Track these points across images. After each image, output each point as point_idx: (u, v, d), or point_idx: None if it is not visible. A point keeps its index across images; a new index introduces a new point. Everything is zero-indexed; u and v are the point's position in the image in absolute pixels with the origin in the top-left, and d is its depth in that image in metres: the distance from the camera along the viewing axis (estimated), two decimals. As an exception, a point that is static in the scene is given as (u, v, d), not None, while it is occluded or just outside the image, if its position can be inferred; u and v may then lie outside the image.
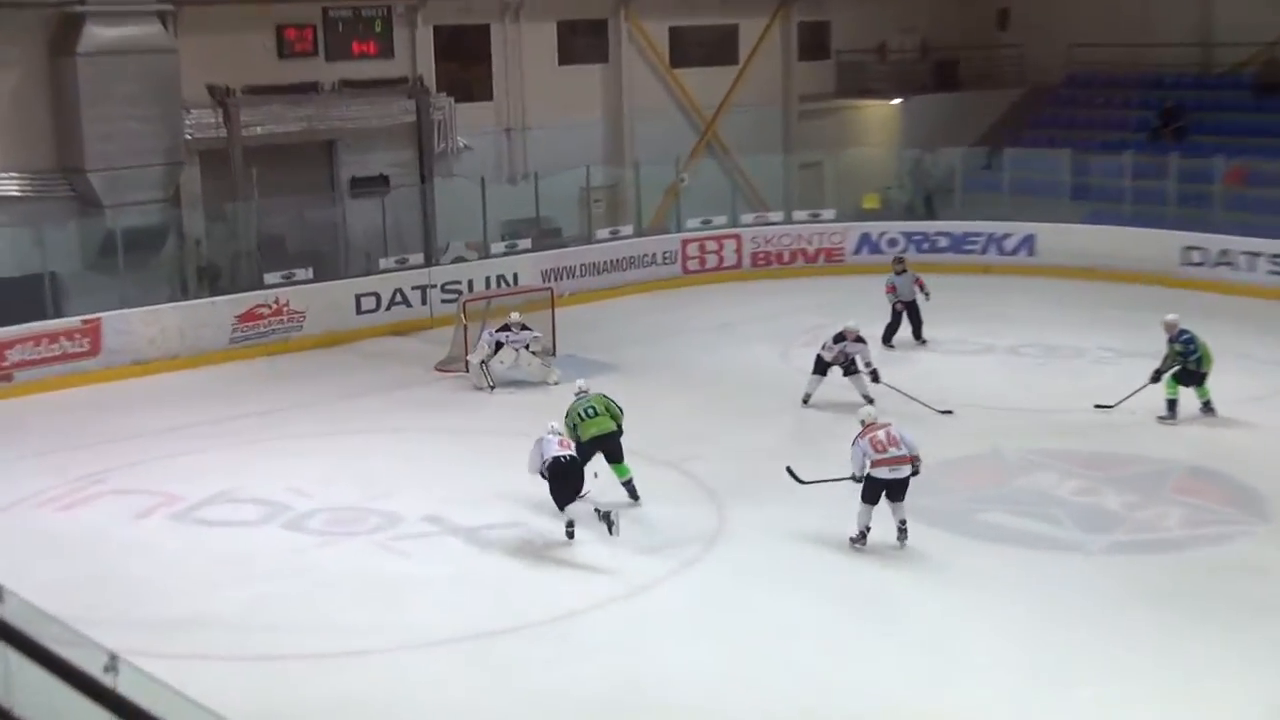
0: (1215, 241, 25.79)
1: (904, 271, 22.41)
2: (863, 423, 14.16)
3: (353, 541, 14.55)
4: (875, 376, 18.78)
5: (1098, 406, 18.39)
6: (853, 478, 13.90)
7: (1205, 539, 14.22)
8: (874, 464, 13.71)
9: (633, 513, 14.85)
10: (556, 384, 19.77)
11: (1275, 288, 24.72)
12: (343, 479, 16.40)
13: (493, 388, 20.08)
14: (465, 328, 21.29)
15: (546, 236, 27.95)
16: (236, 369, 22.11)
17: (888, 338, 21.96)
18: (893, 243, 28.17)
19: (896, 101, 34.48)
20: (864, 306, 22.22)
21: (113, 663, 4.65)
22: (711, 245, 28.52)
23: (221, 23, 25.16)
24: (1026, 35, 35.40)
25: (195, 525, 15.17)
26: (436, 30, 28.24)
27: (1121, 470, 16.11)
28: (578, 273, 26.89)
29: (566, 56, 30.52)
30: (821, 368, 18.83)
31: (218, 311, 22.85)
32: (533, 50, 29.67)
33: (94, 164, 23.14)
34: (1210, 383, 17.88)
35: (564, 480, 14.17)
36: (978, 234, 28.30)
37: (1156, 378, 17.91)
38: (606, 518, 13.86)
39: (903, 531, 13.92)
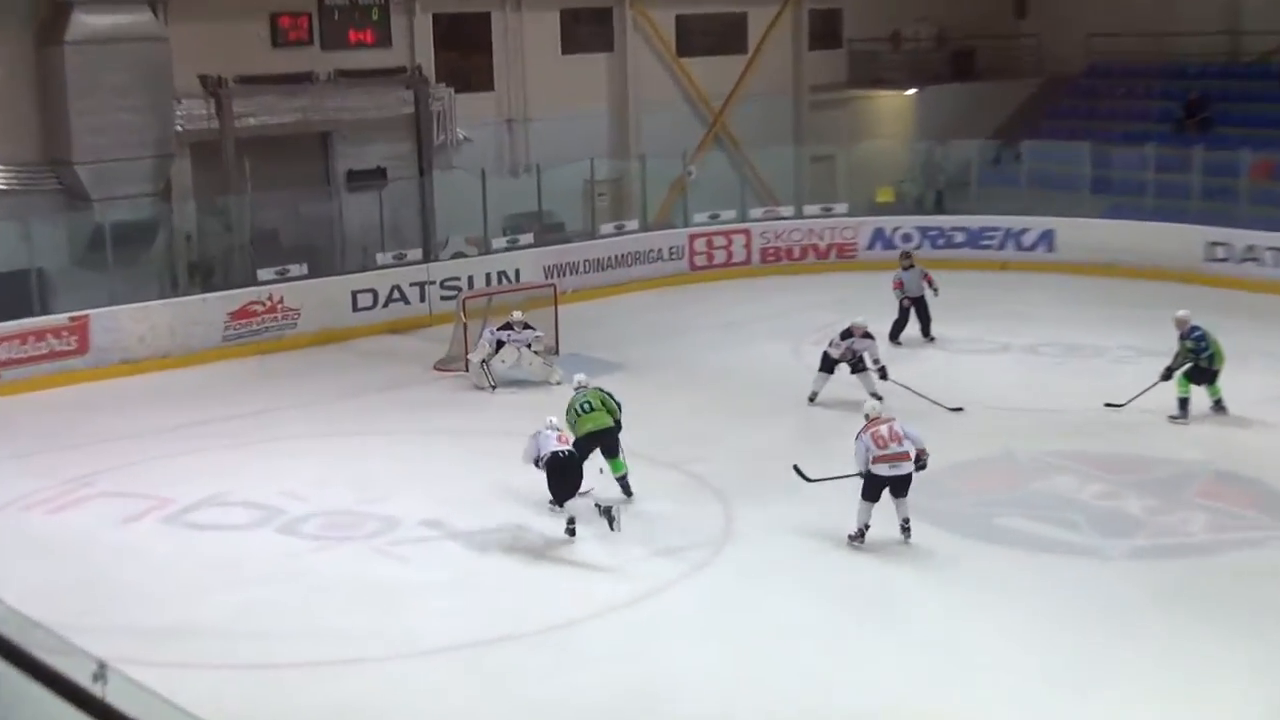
0: (1241, 237, 25.78)
1: (911, 266, 22.48)
2: (867, 417, 14.30)
3: (348, 546, 14.57)
4: (883, 374, 18.85)
5: (1108, 405, 18.47)
6: (860, 474, 14.01)
7: (1230, 544, 14.22)
8: (874, 460, 13.84)
9: (637, 516, 14.86)
10: (559, 384, 19.78)
11: (1302, 285, 24.76)
12: (338, 482, 16.42)
13: (494, 388, 20.11)
14: (465, 326, 21.31)
15: (549, 231, 27.95)
16: (229, 368, 22.14)
17: (895, 335, 22.03)
18: (907, 238, 28.16)
19: (911, 92, 34.47)
20: (876, 303, 22.26)
21: (101, 671, 4.66)
22: (720, 240, 28.53)
23: (214, 10, 25.19)
24: (1045, 23, 35.41)
25: (186, 529, 15.19)
26: (435, 18, 28.26)
27: (1142, 473, 16.12)
28: (581, 269, 26.90)
29: (570, 45, 30.53)
30: (828, 365, 18.92)
31: (209, 309, 22.89)
32: (535, 39, 29.68)
33: (82, 156, 23.17)
34: (1229, 381, 17.91)
35: (563, 476, 14.36)
36: (995, 229, 28.29)
37: (1168, 375, 17.99)
38: (608, 513, 14.04)
39: (906, 529, 14.05)
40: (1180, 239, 26.31)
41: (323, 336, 23.62)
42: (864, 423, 14.20)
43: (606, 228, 28.23)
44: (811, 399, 19.04)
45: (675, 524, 14.85)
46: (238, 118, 24.87)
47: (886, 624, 12.39)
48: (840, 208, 29.34)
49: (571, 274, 26.52)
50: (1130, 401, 18.26)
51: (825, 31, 34.24)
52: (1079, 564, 13.64)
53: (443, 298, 24.61)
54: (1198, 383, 17.88)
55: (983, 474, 16.32)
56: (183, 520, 15.42)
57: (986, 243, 28.27)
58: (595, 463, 15.06)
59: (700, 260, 28.41)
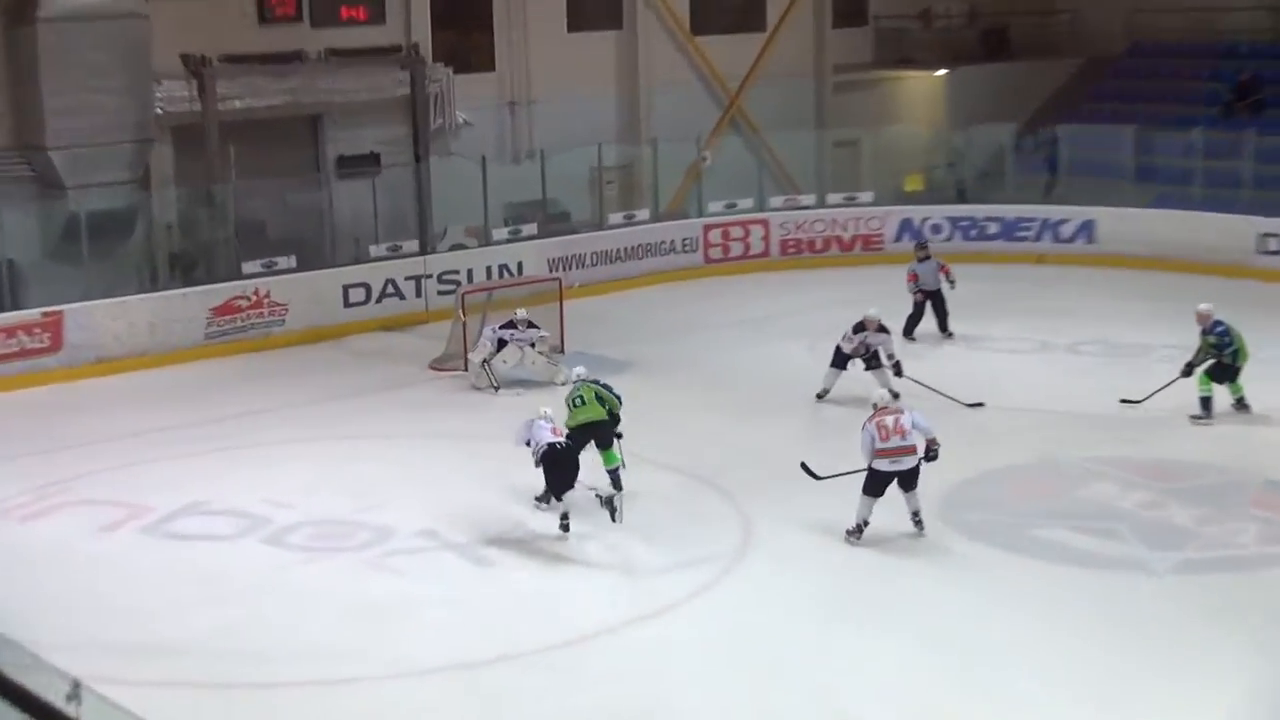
0: (1295, 228, 25.77)
1: (927, 258, 22.55)
2: (875, 406, 14.57)
3: (339, 558, 14.56)
4: (898, 370, 18.93)
5: (1123, 401, 18.56)
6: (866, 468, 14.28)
7: (1285, 558, 14.20)
8: (876, 454, 14.05)
9: (645, 526, 14.84)
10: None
11: (1361, 279, 24.70)
12: (328, 489, 16.41)
13: (497, 388, 20.07)
14: (464, 322, 21.30)
15: (554, 221, 27.96)
16: (212, 367, 22.15)
17: (909, 330, 22.13)
18: (937, 229, 28.15)
19: (941, 73, 34.44)
20: (905, 299, 22.30)
21: (75, 691, 4.65)
22: (736, 231, 28.52)
23: (196, -15, 25.24)
24: (1085, 0, 35.35)
25: (166, 539, 15.19)
26: (433, -7, 28.32)
27: (1191, 480, 16.08)
28: (588, 262, 26.90)
29: (576, 23, 30.54)
30: (840, 360, 19.05)
31: (191, 304, 22.90)
32: (539, 16, 29.69)
33: (55, 141, 23.17)
34: (1269, 381, 17.98)
35: (560, 468, 14.59)
36: (1031, 219, 28.26)
37: (1188, 372, 18.10)
38: (609, 503, 14.31)
39: (918, 522, 14.34)
40: (1230, 230, 26.26)
41: (312, 334, 23.63)
42: (871, 412, 14.45)
43: (615, 218, 28.20)
44: (820, 396, 19.18)
45: (685, 535, 14.83)
46: (222, 100, 24.86)
47: (913, 647, 12.31)
48: (865, 196, 29.32)
49: (578, 267, 26.51)
50: (1147, 399, 18.34)
51: (849, 8, 34.24)
52: (1122, 578, 13.59)
53: (440, 292, 24.61)
54: (1219, 380, 17.95)
55: (1020, 482, 16.30)
56: (162, 530, 15.41)
57: (1022, 234, 28.23)
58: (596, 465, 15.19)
59: (715, 253, 28.39)
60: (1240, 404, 18.08)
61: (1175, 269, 25.98)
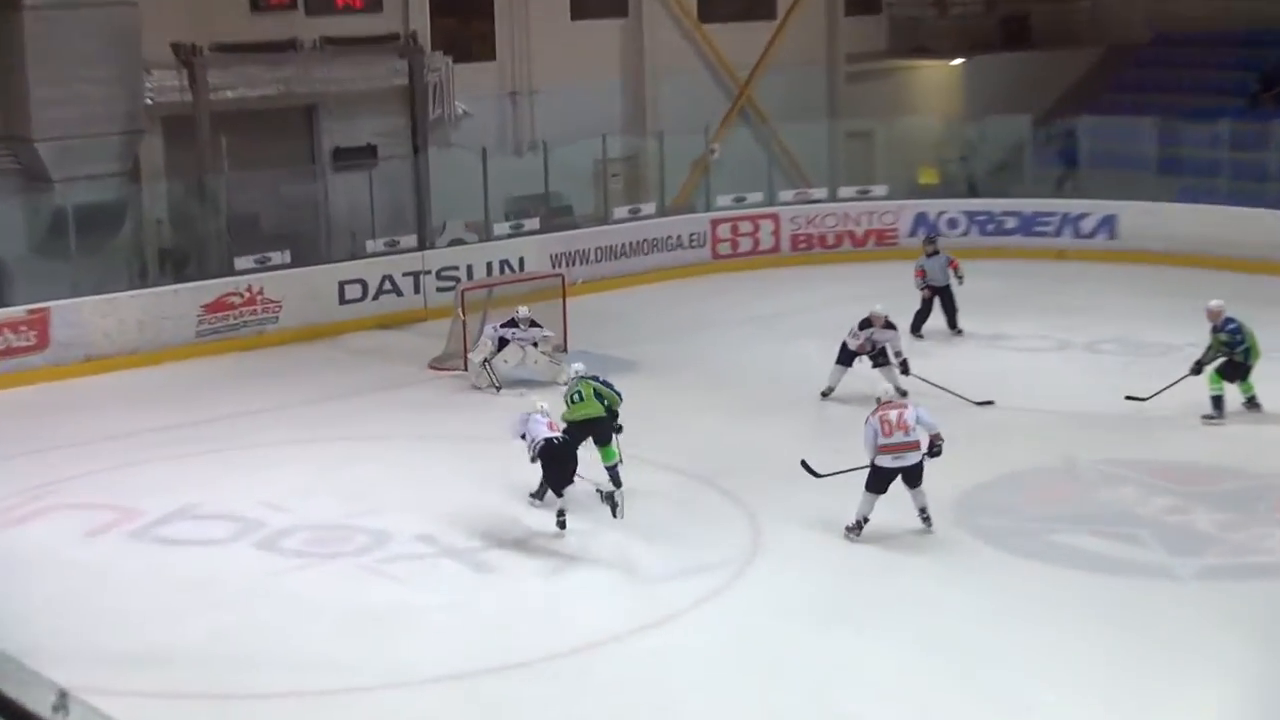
0: (1325, 223, 25.77)
1: (936, 253, 22.65)
2: (879, 400, 14.78)
3: (335, 564, 14.57)
4: (905, 368, 19.06)
5: (1128, 398, 18.63)
6: (869, 464, 14.47)
7: (1313, 565, 14.19)
8: (879, 450, 14.30)
9: (650, 532, 14.86)
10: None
11: (1394, 276, 24.67)
12: (324, 492, 16.44)
13: (499, 389, 20.07)
14: (464, 320, 21.31)
15: (557, 216, 27.97)
16: (203, 366, 22.18)
17: (917, 327, 22.21)
18: (953, 223, 28.17)
19: (958, 62, 34.40)
20: (917, 295, 22.34)
21: (62, 701, 4.65)
22: (745, 226, 28.52)
23: (187, -28, 25.25)
24: (1107, -14, 35.35)
25: (156, 544, 15.21)
26: (432, -20, 28.34)
27: (1213, 484, 16.08)
28: (592, 257, 26.91)
29: (580, 10, 30.53)
30: (846, 357, 19.17)
31: (182, 301, 22.93)
32: (541, 3, 29.68)
33: (42, 132, 23.17)
34: (1256, 377, 18.05)
35: (559, 463, 14.81)
36: (1050, 214, 28.26)
37: (1197, 370, 18.18)
38: (610, 499, 14.47)
39: (925, 519, 14.54)
40: (1258, 225, 26.25)
41: (307, 332, 23.65)
42: (875, 406, 14.64)
43: (620, 212, 28.23)
44: (825, 394, 19.29)
45: (690, 538, 14.85)
46: (213, 90, 24.87)
47: (922, 653, 12.32)
48: (879, 190, 29.32)
49: (581, 263, 26.52)
50: (1153, 396, 18.40)
51: (864, -6, 34.25)
52: (1143, 584, 13.61)
53: (439, 289, 24.62)
54: (1230, 379, 18.03)
55: (1039, 486, 16.32)
56: (152, 534, 15.43)
57: (1042, 229, 28.23)
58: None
59: (724, 248, 28.39)
60: (1251, 403, 18.15)
61: (1200, 265, 25.94)
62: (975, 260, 26.66)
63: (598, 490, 14.77)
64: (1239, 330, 17.91)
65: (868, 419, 14.55)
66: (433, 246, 25.82)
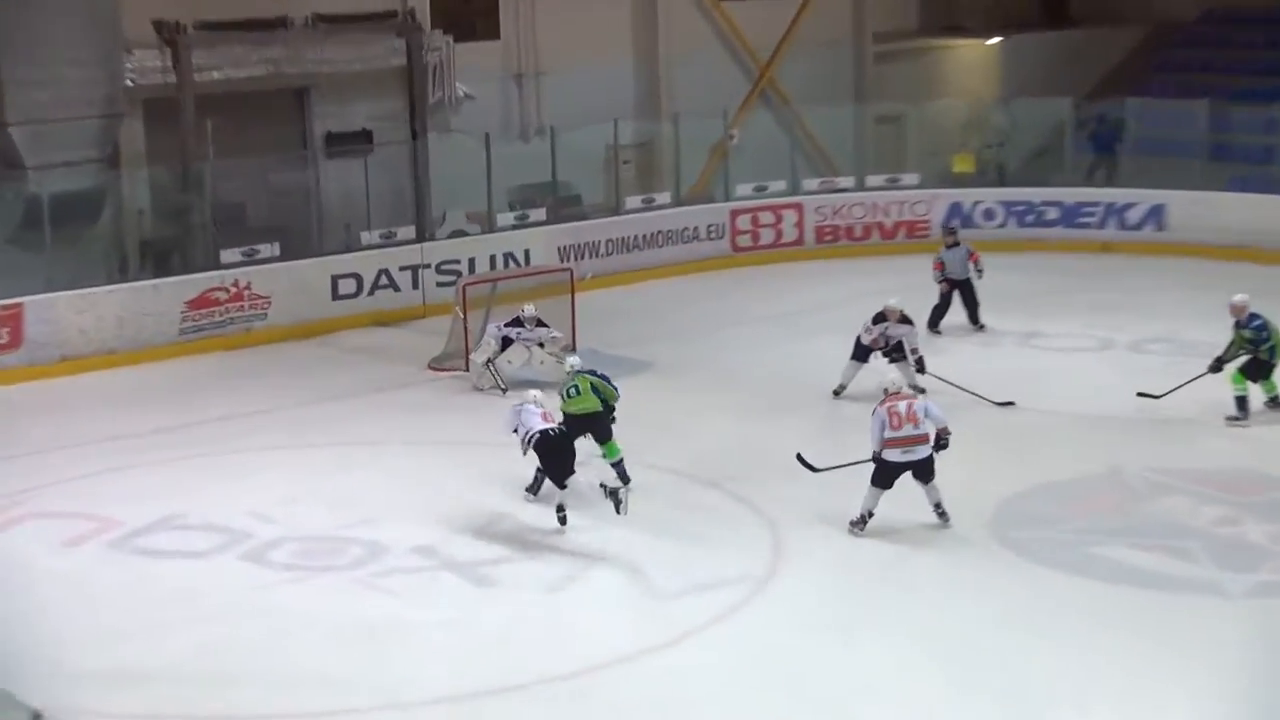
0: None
1: (956, 245, 22.82)
2: (886, 391, 15.18)
3: (326, 578, 14.59)
4: (921, 365, 19.22)
5: (1140, 394, 18.76)
6: (872, 458, 14.85)
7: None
8: (886, 443, 14.67)
9: (662, 543, 14.89)
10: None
11: None
12: (315, 501, 16.46)
13: (504, 390, 20.07)
14: (465, 317, 21.33)
15: (565, 206, 27.98)
16: (186, 366, 22.23)
17: (934, 322, 22.41)
18: (989, 214, 28.16)
19: (994, 41, 34.38)
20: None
21: (36, 722, 4.70)
22: (767, 217, 28.52)
23: (170, -56, 25.27)
24: (1154, -39, 35.32)
25: (136, 556, 15.23)
26: (432, -47, 28.36)
27: (1267, 494, 16.06)
28: (602, 250, 26.92)
29: (590, -15, 30.57)
30: (861, 353, 19.38)
31: (164, 297, 22.98)
32: (549, -22, 29.73)
33: (15, 116, 23.16)
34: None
35: (557, 455, 15.14)
36: (1094, 204, 28.24)
37: (1218, 367, 18.36)
38: (614, 495, 14.72)
39: (941, 514, 14.94)
40: (1315, 215, 26.25)
41: (297, 330, 23.69)
42: (882, 397, 15.06)
43: (633, 201, 28.22)
44: (837, 392, 19.49)
45: (707, 551, 14.85)
46: (198, 71, 24.91)
47: (959, 679, 12.32)
48: (909, 178, 29.33)
49: (591, 256, 26.54)
50: (1168, 394, 18.55)
51: (893, -31, 34.25)
52: (1191, 601, 13.58)
53: (439, 284, 24.64)
54: (1253, 378, 18.15)
55: (1082, 496, 16.27)
56: (132, 545, 15.45)
57: (1085, 220, 28.21)
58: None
59: (744, 240, 28.40)
60: (1274, 403, 18.28)
61: (1253, 258, 25.91)
62: (1013, 254, 26.75)
63: (601, 485, 14.99)
64: (1264, 327, 18.03)
65: (875, 410, 14.97)
66: (432, 238, 25.85)
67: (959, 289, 22.58)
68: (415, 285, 24.88)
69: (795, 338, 22.83)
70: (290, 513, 16.08)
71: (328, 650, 13.05)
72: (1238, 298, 18.41)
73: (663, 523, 15.37)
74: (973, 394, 18.93)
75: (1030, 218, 28.34)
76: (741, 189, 28.83)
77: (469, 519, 15.75)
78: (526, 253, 25.89)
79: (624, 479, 16.01)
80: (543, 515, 15.45)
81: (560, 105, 29.10)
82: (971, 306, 22.67)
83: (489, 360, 20.31)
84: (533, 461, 15.65)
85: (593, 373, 16.56)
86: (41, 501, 16.65)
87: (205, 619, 13.69)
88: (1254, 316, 18.13)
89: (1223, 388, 18.29)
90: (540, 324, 20.41)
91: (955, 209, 28.36)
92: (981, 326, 22.70)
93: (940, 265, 22.63)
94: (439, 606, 13.93)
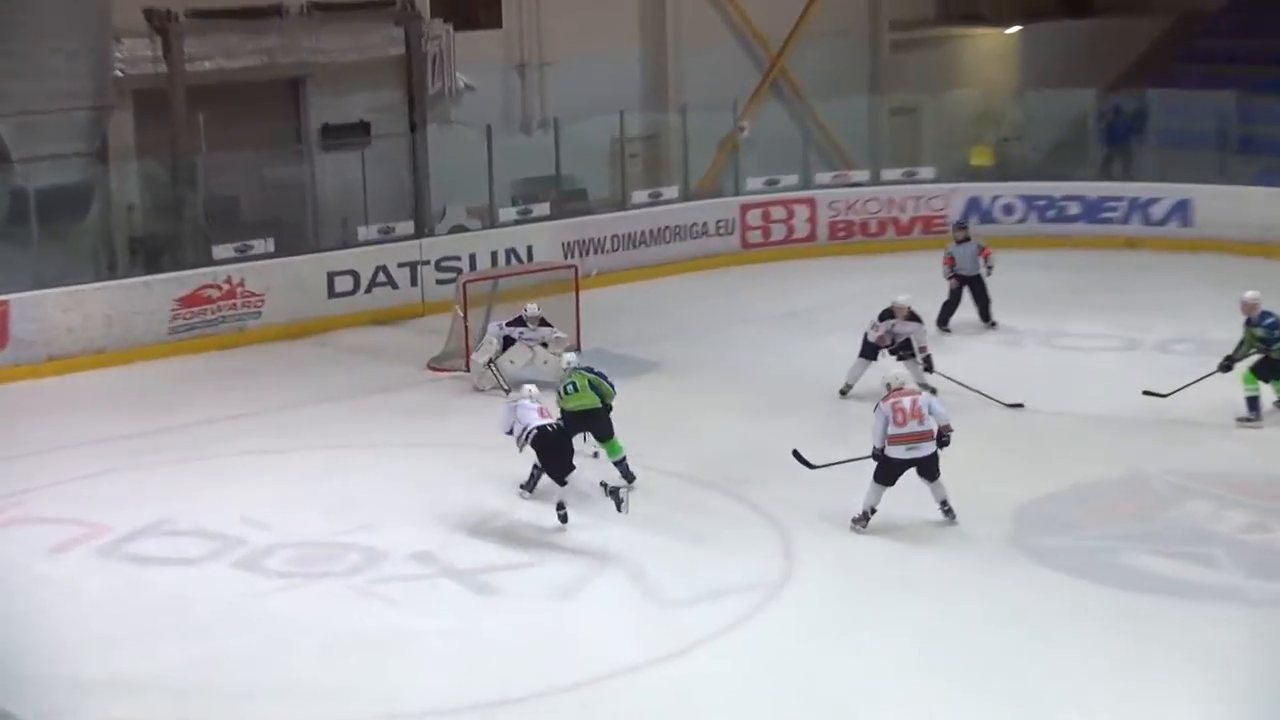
0: None
1: (966, 240, 22.91)
2: (889, 387, 15.37)
3: (322, 585, 14.60)
4: (929, 363, 19.34)
5: (1146, 393, 18.79)
6: (872, 454, 15.07)
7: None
8: (891, 440, 14.88)
9: (669, 549, 14.92)
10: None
11: None
12: (310, 506, 16.47)
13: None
14: (465, 316, 21.33)
15: (569, 201, 27.97)
16: (177, 366, 22.25)
17: (944, 320, 22.52)
18: (1009, 209, 28.15)
19: (1014, 30, 34.35)
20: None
21: (23, 734, 4.71)
22: (778, 212, 28.52)
23: (161, -70, 25.28)
24: (1178, -55, 35.28)
25: (126, 562, 15.25)
26: (431, -61, 28.37)
27: (1289, 498, 16.12)
28: (608, 246, 26.91)
29: (595, -27, 30.57)
30: (869, 351, 19.47)
31: (154, 294, 23.00)
32: (553, -35, 29.74)
33: (1, 109, 23.21)
34: None
35: (556, 451, 15.32)
36: (1117, 198, 28.23)
37: (1227, 367, 18.50)
38: (615, 494, 14.91)
39: (948, 512, 15.17)
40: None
41: (292, 329, 23.71)
42: (885, 393, 15.28)
43: (639, 196, 28.24)
44: (844, 392, 19.58)
45: (717, 557, 14.86)
46: (190, 61, 24.93)
47: (977, 690, 12.31)
48: (926, 172, 29.31)
49: (596, 253, 26.53)
50: (1175, 392, 18.57)
51: (909, -44, 34.24)
52: (1217, 610, 13.57)
53: (439, 281, 24.64)
54: (1265, 378, 18.20)
55: (1105, 501, 16.28)
56: (121, 552, 15.47)
57: (1107, 215, 28.20)
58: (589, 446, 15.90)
59: (754, 236, 28.39)
60: None
61: (1283, 255, 25.97)
62: (1034, 251, 26.79)
63: (602, 484, 15.13)
64: (1277, 325, 18.10)
65: (878, 405, 15.17)
66: (432, 234, 25.86)
67: (969, 285, 22.67)
68: (414, 283, 24.88)
69: (807, 337, 22.84)
70: (285, 518, 16.08)
71: (324, 660, 13.06)
72: (1249, 294, 18.46)
73: (670, 527, 15.41)
74: (981, 394, 19.00)
75: (1051, 213, 28.32)
76: (752, 183, 28.81)
77: (470, 524, 15.77)
78: (529, 249, 25.88)
79: (628, 477, 16.23)
80: (545, 518, 15.50)
81: (564, 96, 29.11)
82: (982, 303, 22.75)
83: (490, 360, 20.30)
84: (528, 459, 15.78)
85: (590, 369, 16.73)
86: (28, 506, 16.67)
87: (197, 628, 13.70)
88: (1266, 314, 18.16)
89: (1237, 388, 18.33)
90: (543, 323, 20.38)
91: (973, 204, 28.34)
92: (993, 324, 22.79)
93: (950, 260, 22.72)
94: (438, 615, 13.94)
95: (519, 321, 20.35)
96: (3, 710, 4.63)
